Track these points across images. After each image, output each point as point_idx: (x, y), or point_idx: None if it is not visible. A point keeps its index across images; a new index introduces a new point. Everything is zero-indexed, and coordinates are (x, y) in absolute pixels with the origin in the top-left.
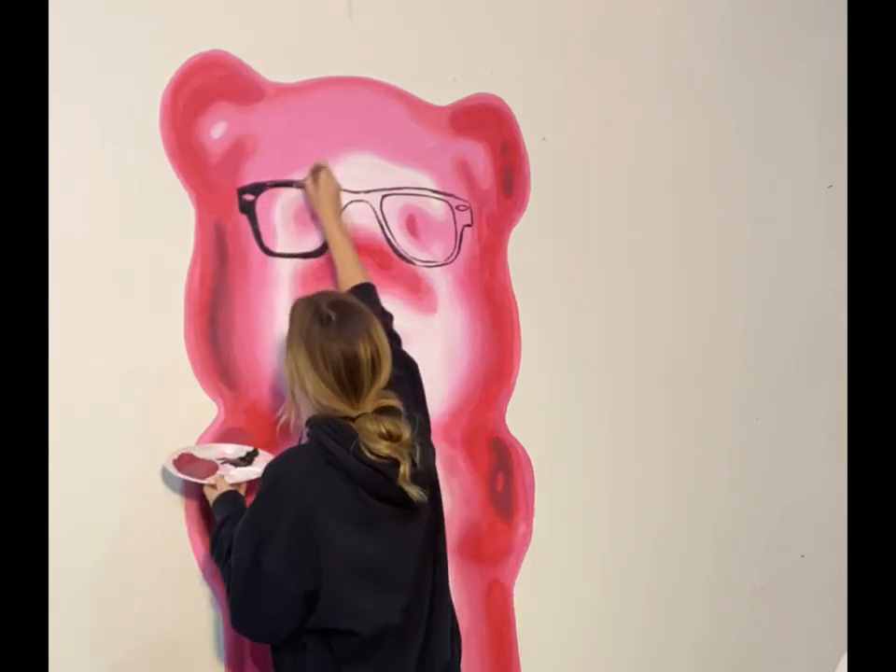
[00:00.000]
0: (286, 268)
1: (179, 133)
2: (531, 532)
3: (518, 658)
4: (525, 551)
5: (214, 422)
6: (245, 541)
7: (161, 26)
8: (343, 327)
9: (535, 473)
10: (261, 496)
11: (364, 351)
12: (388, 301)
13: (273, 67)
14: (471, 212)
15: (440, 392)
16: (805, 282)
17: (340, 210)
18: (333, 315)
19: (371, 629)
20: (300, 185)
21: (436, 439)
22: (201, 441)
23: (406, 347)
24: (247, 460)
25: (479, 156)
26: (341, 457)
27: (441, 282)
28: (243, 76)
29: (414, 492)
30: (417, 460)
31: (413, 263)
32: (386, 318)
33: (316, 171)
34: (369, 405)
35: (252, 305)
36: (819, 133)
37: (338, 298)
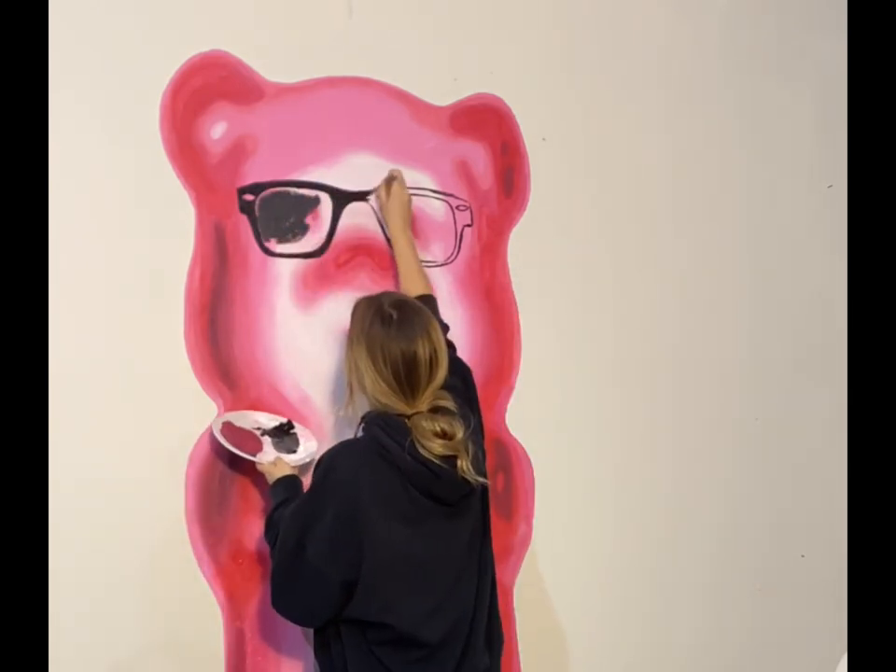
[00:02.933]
0: (286, 268)
1: (179, 132)
2: (531, 532)
3: (518, 658)
4: (525, 551)
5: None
6: (293, 526)
7: (161, 26)
8: (403, 326)
9: (535, 473)
10: (313, 484)
11: (423, 350)
12: None
13: (273, 67)
14: (471, 212)
15: None
16: (805, 282)
17: (409, 221)
18: (395, 314)
19: (406, 625)
20: (371, 194)
21: None
22: (201, 440)
23: None
24: (284, 430)
25: (479, 156)
26: (394, 452)
27: (441, 282)
28: (243, 76)
29: (479, 479)
30: (470, 458)
31: None
32: (444, 330)
33: (390, 180)
34: (424, 404)
35: (252, 305)
36: (818, 133)
37: (399, 298)
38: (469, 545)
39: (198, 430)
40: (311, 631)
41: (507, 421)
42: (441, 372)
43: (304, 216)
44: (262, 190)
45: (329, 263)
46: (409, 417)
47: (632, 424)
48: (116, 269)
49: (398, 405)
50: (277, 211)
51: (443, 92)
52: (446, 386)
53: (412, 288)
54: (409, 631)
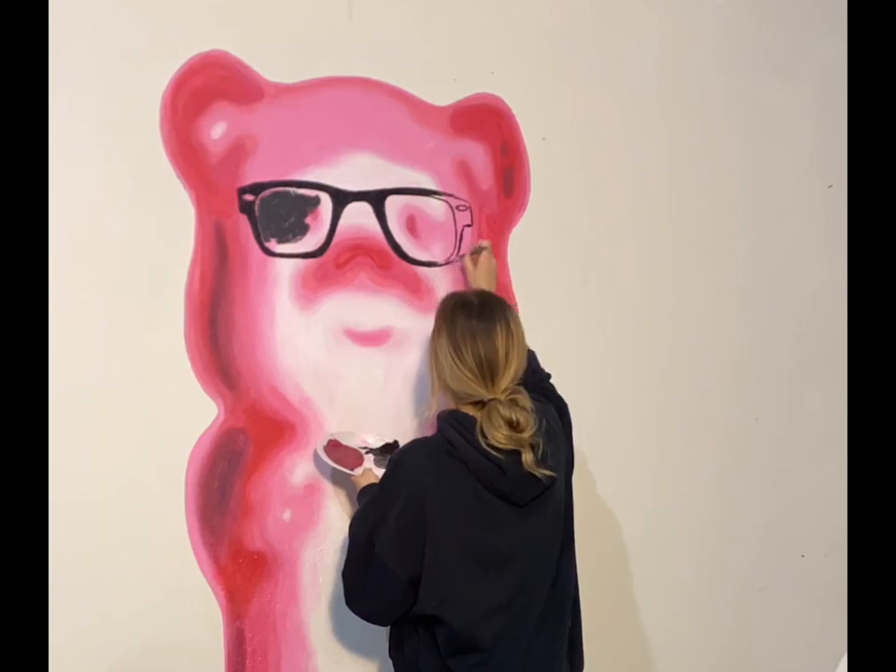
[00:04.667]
0: (286, 268)
1: (179, 132)
2: None
3: None
4: None
5: (214, 422)
6: (363, 523)
7: (161, 26)
8: (484, 313)
9: None
10: (382, 481)
11: (501, 337)
12: (388, 302)
13: (273, 67)
14: (471, 212)
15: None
16: (805, 282)
17: (494, 289)
18: (476, 301)
19: (470, 624)
20: (460, 261)
21: None
22: (201, 440)
23: (406, 347)
24: (389, 450)
25: (479, 156)
26: (459, 447)
27: (441, 282)
28: (243, 76)
29: (544, 472)
30: (539, 456)
31: (413, 263)
32: (544, 376)
33: (478, 251)
34: (503, 393)
35: (252, 305)
36: (818, 133)
37: (482, 290)
38: (541, 545)
39: (198, 430)
40: (311, 632)
41: None
42: (517, 363)
43: (304, 216)
44: (262, 190)
45: (328, 263)
46: (485, 404)
47: (632, 423)
48: (116, 269)
49: (476, 391)
50: (277, 211)
51: (443, 92)
52: (539, 403)
53: None
54: (472, 630)
